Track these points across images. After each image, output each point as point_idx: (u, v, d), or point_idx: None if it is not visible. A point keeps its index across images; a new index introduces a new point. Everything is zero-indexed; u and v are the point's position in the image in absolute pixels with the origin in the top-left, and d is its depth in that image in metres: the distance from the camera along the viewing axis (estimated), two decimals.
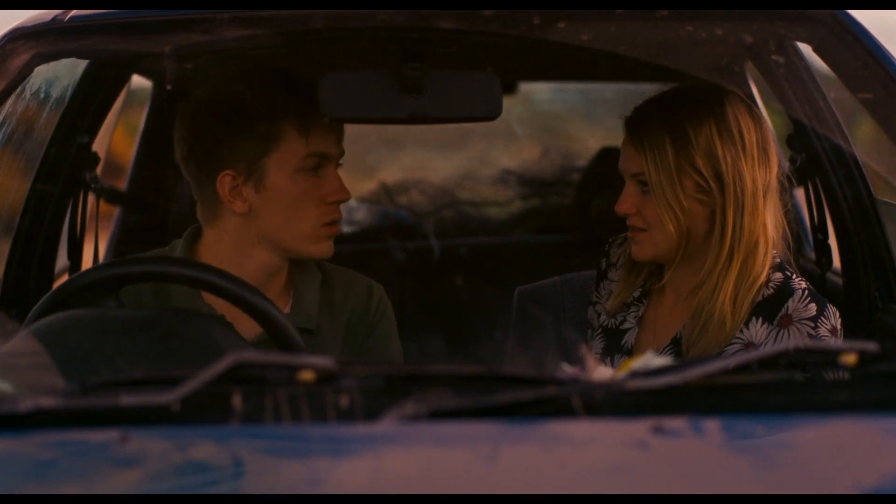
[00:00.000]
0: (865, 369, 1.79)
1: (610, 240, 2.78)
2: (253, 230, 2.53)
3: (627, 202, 2.55)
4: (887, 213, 3.03)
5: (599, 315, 2.72)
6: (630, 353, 2.61)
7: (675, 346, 2.58)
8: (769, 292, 2.51)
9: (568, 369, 1.78)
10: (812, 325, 2.48)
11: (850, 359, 1.78)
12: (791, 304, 2.49)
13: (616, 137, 2.80)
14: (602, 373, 1.77)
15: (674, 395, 1.74)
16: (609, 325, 2.68)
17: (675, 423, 1.70)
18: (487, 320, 3.46)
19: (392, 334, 2.70)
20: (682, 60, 2.88)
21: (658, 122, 2.52)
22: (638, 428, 1.69)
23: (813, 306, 2.49)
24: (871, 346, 1.79)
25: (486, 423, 1.70)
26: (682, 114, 2.51)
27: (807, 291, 2.50)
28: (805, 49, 2.96)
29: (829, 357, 1.80)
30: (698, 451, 1.70)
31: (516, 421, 1.70)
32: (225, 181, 2.50)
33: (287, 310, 2.58)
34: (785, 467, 1.65)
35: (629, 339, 2.63)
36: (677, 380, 1.74)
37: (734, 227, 2.49)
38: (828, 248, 3.16)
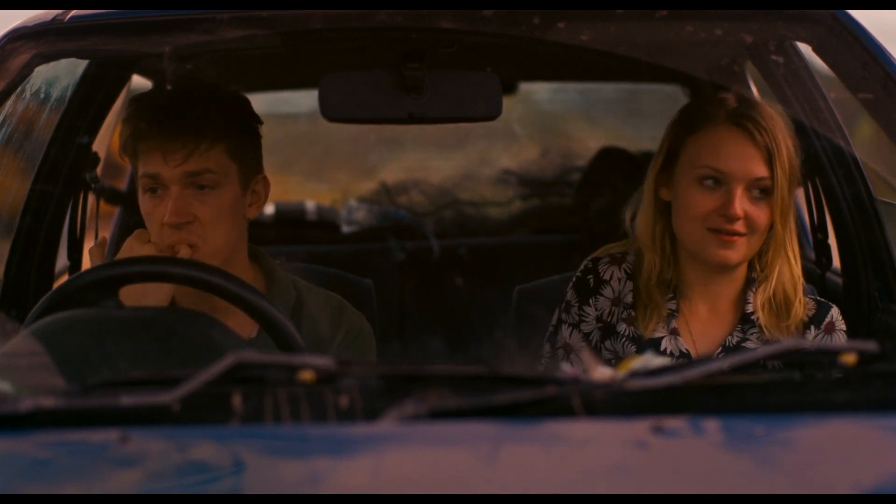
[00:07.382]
0: (865, 369, 1.79)
1: (593, 258, 2.69)
2: None
3: (740, 207, 2.53)
4: (887, 213, 3.03)
5: (590, 335, 2.65)
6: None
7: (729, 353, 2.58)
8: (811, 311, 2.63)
9: (568, 369, 1.78)
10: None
11: (850, 359, 1.79)
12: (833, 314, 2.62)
13: (616, 137, 2.80)
14: (602, 373, 1.78)
15: (674, 395, 1.74)
16: (634, 335, 2.63)
17: (675, 423, 1.70)
18: (487, 320, 3.45)
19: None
20: (682, 60, 2.88)
21: (773, 128, 2.55)
22: (638, 428, 1.69)
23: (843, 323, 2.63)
24: (871, 346, 1.79)
25: (486, 423, 1.70)
26: (780, 119, 2.58)
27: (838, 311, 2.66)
28: (805, 49, 2.96)
29: (828, 357, 1.80)
30: (698, 451, 1.70)
31: (516, 421, 1.70)
32: None
33: (254, 333, 2.52)
34: (785, 467, 1.65)
35: (667, 345, 2.60)
36: (677, 380, 1.74)
37: (791, 226, 2.59)
38: (828, 248, 3.16)
